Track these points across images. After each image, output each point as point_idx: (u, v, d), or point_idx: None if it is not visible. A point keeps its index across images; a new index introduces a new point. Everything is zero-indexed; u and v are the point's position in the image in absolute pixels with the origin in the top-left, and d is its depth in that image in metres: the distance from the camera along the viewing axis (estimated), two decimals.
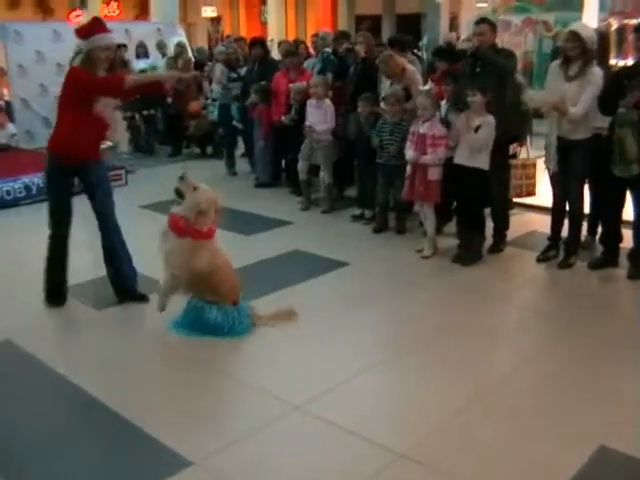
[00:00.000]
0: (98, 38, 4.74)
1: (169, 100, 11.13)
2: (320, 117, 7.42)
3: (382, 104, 6.81)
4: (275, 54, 10.61)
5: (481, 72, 5.84)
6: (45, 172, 5.13)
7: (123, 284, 5.17)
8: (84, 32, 4.79)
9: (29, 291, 5.43)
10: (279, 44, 10.63)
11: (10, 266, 6.13)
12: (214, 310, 4.59)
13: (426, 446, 3.42)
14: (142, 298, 5.14)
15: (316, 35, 10.48)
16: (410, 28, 18.17)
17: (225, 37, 15.08)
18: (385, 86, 7.03)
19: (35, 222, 7.44)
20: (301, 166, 7.66)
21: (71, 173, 4.94)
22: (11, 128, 11.13)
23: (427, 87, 6.64)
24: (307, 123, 7.49)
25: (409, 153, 6.13)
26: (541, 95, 5.70)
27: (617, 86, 5.32)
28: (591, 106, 5.39)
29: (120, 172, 9.10)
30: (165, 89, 5.47)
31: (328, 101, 7.49)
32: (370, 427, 3.58)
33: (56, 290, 5.16)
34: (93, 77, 4.73)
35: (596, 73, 5.37)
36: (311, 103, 7.52)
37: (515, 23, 14.86)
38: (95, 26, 4.83)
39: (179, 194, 4.62)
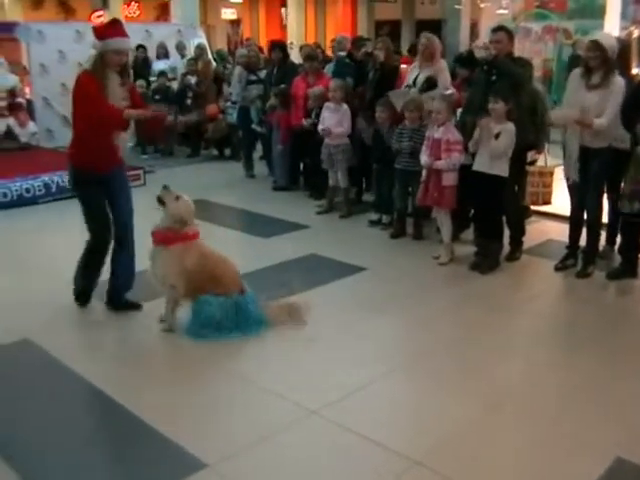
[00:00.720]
0: (114, 41, 4.64)
1: (188, 102, 11.21)
2: (337, 121, 7.43)
3: (406, 88, 6.91)
4: (295, 58, 10.65)
5: (497, 80, 5.83)
6: (70, 181, 5.10)
7: (110, 296, 5.13)
8: (101, 33, 4.69)
9: (47, 289, 5.49)
10: (300, 48, 10.66)
11: (28, 264, 6.18)
12: (215, 301, 4.62)
13: (442, 454, 3.41)
14: (134, 306, 5.12)
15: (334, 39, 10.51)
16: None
17: (245, 39, 15.14)
18: (412, 76, 7.05)
19: (53, 220, 7.55)
20: (330, 174, 7.67)
21: (95, 178, 4.85)
22: (32, 127, 11.24)
23: (449, 92, 6.65)
24: (321, 127, 7.51)
25: (423, 158, 6.13)
26: (562, 111, 5.67)
27: (637, 100, 5.31)
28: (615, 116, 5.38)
29: (139, 172, 9.16)
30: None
31: (345, 105, 7.50)
32: (386, 433, 3.57)
33: (85, 293, 5.16)
34: (100, 101, 4.60)
35: (618, 83, 5.36)
36: (328, 107, 7.53)
37: (535, 30, 14.83)
38: (112, 28, 4.73)
39: (161, 202, 4.73)
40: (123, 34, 4.75)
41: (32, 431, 3.64)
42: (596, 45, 5.37)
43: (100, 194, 4.90)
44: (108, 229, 4.97)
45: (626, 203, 5.46)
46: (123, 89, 4.78)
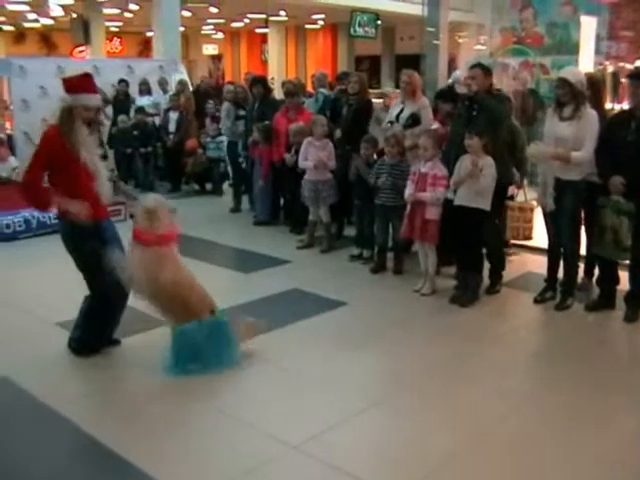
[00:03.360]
0: (84, 97, 4.61)
1: (170, 137, 11.27)
2: (326, 157, 7.48)
3: (388, 124, 7.04)
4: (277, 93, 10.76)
5: (477, 115, 5.93)
6: (66, 239, 4.77)
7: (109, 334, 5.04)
8: (71, 86, 4.65)
9: (28, 326, 5.46)
10: (282, 84, 10.77)
11: (9, 300, 6.13)
12: (189, 330, 4.55)
13: None
14: (116, 342, 5.06)
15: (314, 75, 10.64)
16: (409, 69, 18.40)
17: (245, 73, 15.32)
18: (394, 112, 7.16)
19: (34, 256, 7.51)
20: (312, 209, 7.70)
21: (91, 229, 4.64)
22: (12, 162, 11.20)
23: (435, 126, 6.75)
24: (308, 162, 7.52)
25: (407, 191, 6.19)
26: (538, 147, 5.76)
27: (611, 137, 5.42)
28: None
29: (120, 207, 9.13)
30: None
31: (329, 141, 7.58)
32: (366, 468, 3.57)
33: (95, 346, 4.96)
34: (33, 166, 4.57)
35: (591, 114, 5.48)
36: (312, 143, 7.58)
37: (513, 66, 15.07)
38: (84, 83, 4.69)
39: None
40: (93, 90, 4.74)
41: (12, 472, 3.60)
42: (564, 82, 5.52)
43: (99, 245, 4.65)
44: (115, 281, 4.66)
45: (596, 247, 5.65)
46: (93, 138, 4.73)
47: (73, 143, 4.55)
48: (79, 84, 4.68)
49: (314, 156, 7.50)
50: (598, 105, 5.87)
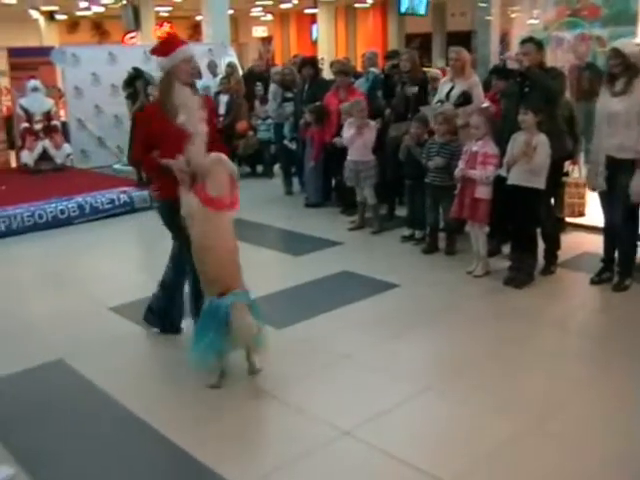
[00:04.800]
0: (180, 51, 4.59)
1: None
2: (367, 138, 7.42)
3: (438, 103, 6.94)
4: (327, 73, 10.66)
5: (530, 92, 5.78)
6: (165, 220, 4.78)
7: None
8: (164, 49, 4.61)
9: (83, 310, 5.55)
10: (331, 64, 10.68)
11: (65, 285, 6.24)
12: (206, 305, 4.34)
13: (472, 475, 3.35)
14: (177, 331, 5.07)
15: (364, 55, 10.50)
16: (460, 46, 18.07)
17: (293, 56, 15.15)
18: (443, 90, 7.04)
19: (88, 241, 7.63)
20: (357, 190, 7.66)
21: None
22: (67, 148, 11.42)
23: (485, 105, 6.60)
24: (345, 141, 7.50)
25: (458, 169, 6.09)
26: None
27: None
28: None
29: None
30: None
31: (372, 122, 7.50)
32: (417, 454, 3.52)
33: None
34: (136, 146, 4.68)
35: None
36: (353, 123, 7.49)
37: (568, 39, 14.67)
38: (174, 40, 4.78)
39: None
40: (186, 42, 4.80)
41: (62, 452, 3.67)
42: (616, 52, 5.35)
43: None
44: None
45: None
46: (197, 98, 4.64)
47: (171, 105, 4.49)
48: (171, 42, 4.75)
49: (353, 139, 7.43)
50: None
